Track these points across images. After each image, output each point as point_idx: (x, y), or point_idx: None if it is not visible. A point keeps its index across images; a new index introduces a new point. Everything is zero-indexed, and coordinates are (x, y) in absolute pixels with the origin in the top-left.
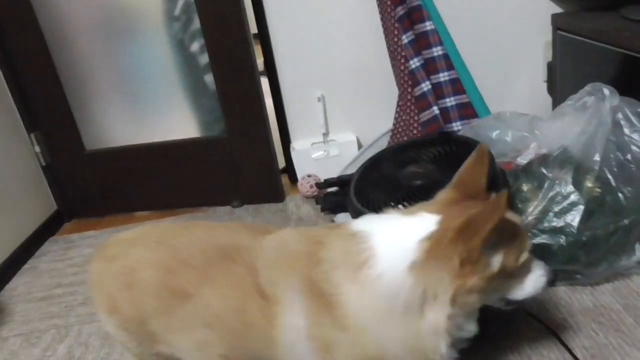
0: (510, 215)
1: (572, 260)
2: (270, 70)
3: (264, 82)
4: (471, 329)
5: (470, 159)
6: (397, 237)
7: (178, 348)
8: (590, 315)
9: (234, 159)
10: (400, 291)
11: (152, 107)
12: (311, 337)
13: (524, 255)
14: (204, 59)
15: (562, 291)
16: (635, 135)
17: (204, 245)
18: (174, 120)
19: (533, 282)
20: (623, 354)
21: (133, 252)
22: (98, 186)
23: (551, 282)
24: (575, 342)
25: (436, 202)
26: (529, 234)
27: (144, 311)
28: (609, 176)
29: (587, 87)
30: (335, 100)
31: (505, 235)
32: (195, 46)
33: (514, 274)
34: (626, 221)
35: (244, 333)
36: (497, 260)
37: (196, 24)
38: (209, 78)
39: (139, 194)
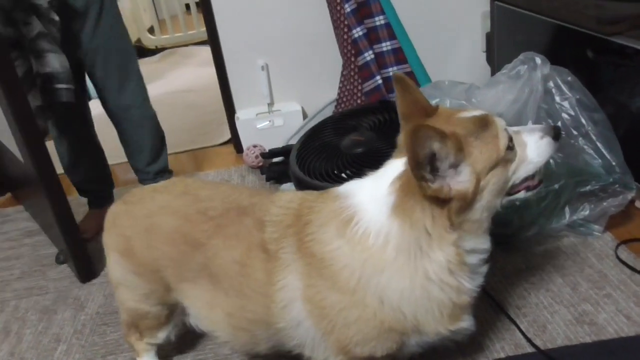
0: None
1: (506, 224)
2: (213, 38)
3: (207, 51)
4: (485, 246)
5: (398, 92)
6: (375, 189)
7: (188, 298)
8: (523, 276)
9: None
10: (390, 238)
11: None
12: (306, 299)
13: (503, 138)
14: None
15: (496, 254)
16: (565, 103)
17: (226, 199)
18: None
19: (535, 150)
20: (552, 312)
21: (158, 197)
22: None
23: (556, 136)
24: (508, 302)
25: (400, 146)
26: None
27: (157, 256)
28: None
29: (521, 56)
30: (279, 69)
31: (455, 139)
32: None
33: (508, 159)
34: (556, 186)
35: (244, 288)
36: (465, 165)
37: None
38: None
39: None
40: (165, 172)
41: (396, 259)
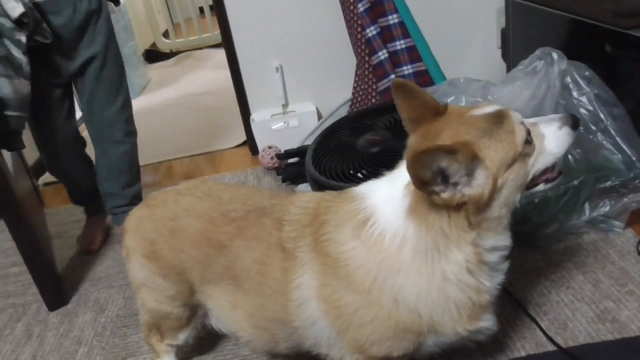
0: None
1: (525, 221)
2: (227, 41)
3: (221, 53)
4: (505, 243)
5: (400, 99)
6: (389, 191)
7: (212, 299)
8: (543, 274)
9: None
10: (406, 240)
11: None
12: (321, 298)
13: (519, 133)
14: None
15: (515, 252)
16: (583, 98)
17: (247, 201)
18: None
19: (554, 140)
20: (573, 309)
21: (181, 200)
22: None
23: (574, 125)
24: (528, 300)
25: (410, 148)
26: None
27: (183, 259)
28: None
29: (537, 52)
30: (293, 70)
31: (465, 150)
32: None
33: (526, 153)
34: (575, 182)
35: (263, 287)
36: (480, 169)
37: None
38: None
39: None
40: (140, 200)
41: (413, 260)
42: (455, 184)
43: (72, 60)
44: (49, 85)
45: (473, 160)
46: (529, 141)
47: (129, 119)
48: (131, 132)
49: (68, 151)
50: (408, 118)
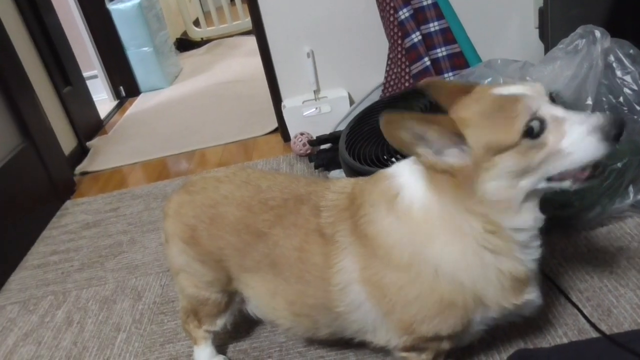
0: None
1: (566, 205)
2: (258, 28)
3: (252, 41)
4: (527, 224)
5: (434, 96)
6: (413, 166)
7: (250, 288)
8: (585, 259)
9: None
10: (432, 210)
11: None
12: (364, 280)
13: (519, 123)
14: None
15: (557, 237)
16: (627, 77)
17: (284, 189)
18: None
19: (578, 144)
20: (617, 295)
21: (221, 187)
22: None
23: (613, 136)
24: (570, 286)
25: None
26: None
27: (222, 246)
28: None
29: (579, 30)
30: (324, 55)
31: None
32: None
33: (530, 145)
34: (619, 164)
35: (303, 274)
36: (467, 145)
37: None
38: None
39: None
40: None
41: (442, 229)
42: (440, 152)
43: None
44: None
45: (454, 135)
46: (533, 135)
47: None
48: None
49: None
50: (447, 106)
